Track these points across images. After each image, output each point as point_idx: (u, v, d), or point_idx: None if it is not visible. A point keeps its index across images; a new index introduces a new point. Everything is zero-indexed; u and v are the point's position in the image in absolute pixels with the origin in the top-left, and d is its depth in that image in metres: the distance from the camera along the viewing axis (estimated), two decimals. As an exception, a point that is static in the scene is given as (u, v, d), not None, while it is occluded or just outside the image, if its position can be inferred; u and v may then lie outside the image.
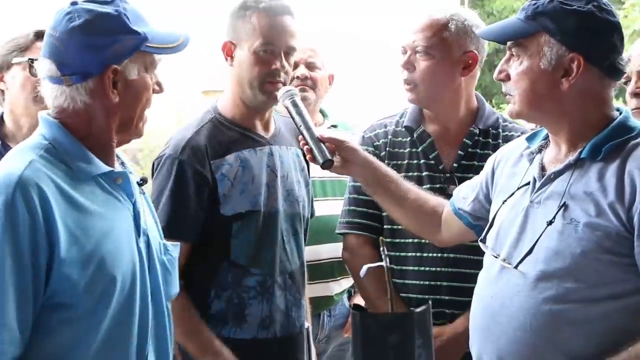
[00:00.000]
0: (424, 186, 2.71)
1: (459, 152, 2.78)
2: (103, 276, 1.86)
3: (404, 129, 2.87)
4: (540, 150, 2.22)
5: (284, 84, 2.64)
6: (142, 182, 2.09)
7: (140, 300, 1.96)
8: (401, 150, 2.86)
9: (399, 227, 2.73)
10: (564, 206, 2.00)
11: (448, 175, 2.78)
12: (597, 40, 2.04)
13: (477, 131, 2.82)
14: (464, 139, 2.80)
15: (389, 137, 2.87)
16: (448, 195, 2.61)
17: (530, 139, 2.26)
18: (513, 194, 2.17)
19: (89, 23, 1.90)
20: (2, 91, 2.89)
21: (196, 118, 2.72)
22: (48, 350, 1.83)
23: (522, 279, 2.04)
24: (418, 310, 1.71)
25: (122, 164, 2.10)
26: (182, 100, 8.04)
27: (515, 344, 2.03)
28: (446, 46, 2.68)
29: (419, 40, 2.70)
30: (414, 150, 2.84)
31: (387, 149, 2.86)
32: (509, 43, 2.09)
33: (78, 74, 1.92)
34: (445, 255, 2.68)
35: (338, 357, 3.58)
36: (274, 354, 2.69)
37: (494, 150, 2.63)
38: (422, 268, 2.71)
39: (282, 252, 2.75)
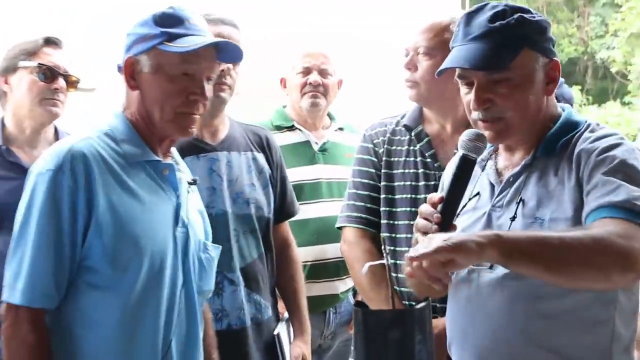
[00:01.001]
0: (420, 183, 2.77)
1: (455, 151, 2.62)
2: (131, 251, 1.97)
3: (403, 128, 2.92)
4: (490, 155, 2.22)
5: (230, 87, 2.77)
6: (193, 181, 2.19)
7: (170, 287, 2.05)
8: (399, 148, 2.91)
9: (396, 222, 2.77)
10: (522, 201, 2.02)
11: (443, 172, 2.69)
12: (554, 42, 2.10)
13: None
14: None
15: (388, 135, 2.92)
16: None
17: None
18: (465, 205, 2.15)
19: (131, 26, 2.09)
20: (6, 94, 2.95)
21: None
22: (75, 311, 1.97)
23: (494, 278, 2.04)
24: (418, 306, 1.74)
25: (176, 162, 2.20)
26: None
27: (493, 343, 2.03)
28: (447, 47, 2.59)
29: (420, 41, 2.77)
30: (411, 148, 2.88)
31: (385, 146, 2.91)
32: (485, 71, 2.02)
33: (119, 65, 2.10)
34: None
35: (343, 352, 3.64)
36: (225, 344, 2.65)
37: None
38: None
39: (232, 250, 2.80)
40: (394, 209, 2.86)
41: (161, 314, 2.05)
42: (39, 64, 2.88)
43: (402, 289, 2.72)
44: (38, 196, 1.93)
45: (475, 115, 2.05)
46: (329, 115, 3.81)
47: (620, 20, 16.78)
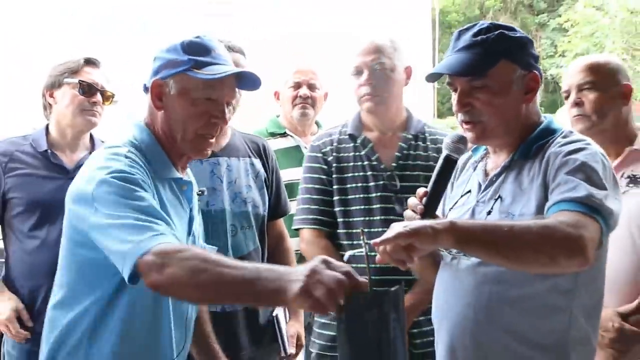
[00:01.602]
0: (370, 183, 2.89)
1: (397, 153, 2.94)
2: None
3: (347, 137, 3.00)
4: (482, 158, 2.26)
5: (234, 107, 2.65)
6: (201, 193, 2.28)
7: None
8: (346, 155, 2.98)
9: (352, 219, 2.88)
10: (499, 198, 2.05)
11: (389, 173, 2.94)
12: (536, 57, 2.14)
13: (410, 136, 2.99)
14: (399, 143, 2.96)
15: (335, 144, 2.99)
16: (391, 190, 2.82)
17: (475, 150, 2.29)
18: (457, 201, 2.21)
19: (159, 51, 2.11)
20: (50, 105, 3.18)
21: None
22: (118, 306, 2.02)
23: (469, 264, 2.08)
24: (393, 289, 1.67)
25: (188, 175, 2.24)
26: None
27: (463, 320, 2.07)
28: (393, 63, 2.90)
29: (375, 60, 2.91)
30: (357, 154, 2.96)
31: (334, 154, 2.98)
32: (467, 78, 2.07)
33: (146, 85, 2.12)
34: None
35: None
36: (218, 325, 2.64)
37: (425, 151, 2.89)
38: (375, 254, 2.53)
39: (231, 242, 2.87)
40: (349, 208, 2.94)
41: (171, 310, 2.12)
42: (80, 80, 3.08)
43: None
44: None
45: (459, 117, 2.09)
46: (316, 123, 4.01)
47: (567, 42, 17.94)
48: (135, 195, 1.85)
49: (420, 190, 2.01)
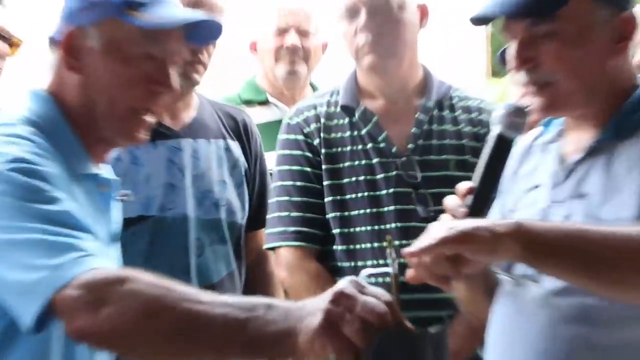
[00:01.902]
0: (377, 176, 2.61)
1: (413, 130, 2.66)
2: None
3: (339, 110, 2.71)
4: (557, 137, 2.11)
5: (204, 65, 2.60)
6: (125, 197, 2.03)
7: None
8: (340, 135, 2.70)
9: (353, 229, 2.62)
10: (583, 196, 1.92)
11: (404, 159, 2.62)
12: None
13: (431, 104, 2.70)
14: (417, 115, 2.68)
15: (322, 120, 2.71)
16: (409, 184, 2.56)
17: (546, 125, 2.14)
18: (521, 200, 2.07)
19: None
20: None
21: None
22: None
23: (539, 294, 1.94)
24: (433, 330, 1.65)
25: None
26: None
27: None
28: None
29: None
30: (356, 133, 2.68)
31: (322, 135, 2.69)
32: (527, 21, 1.94)
33: (51, 38, 1.92)
34: (405, 243, 2.43)
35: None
36: None
37: (454, 124, 2.67)
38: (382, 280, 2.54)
39: (195, 264, 2.63)
40: (348, 213, 2.66)
41: None
42: None
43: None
44: None
45: (520, 78, 1.99)
46: (311, 85, 3.57)
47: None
48: (44, 196, 1.67)
49: (463, 186, 1.85)
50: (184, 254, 2.58)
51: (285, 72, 3.42)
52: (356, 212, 2.64)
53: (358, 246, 2.61)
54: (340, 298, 1.36)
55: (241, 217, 2.74)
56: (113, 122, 1.89)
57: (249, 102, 3.43)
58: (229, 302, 1.46)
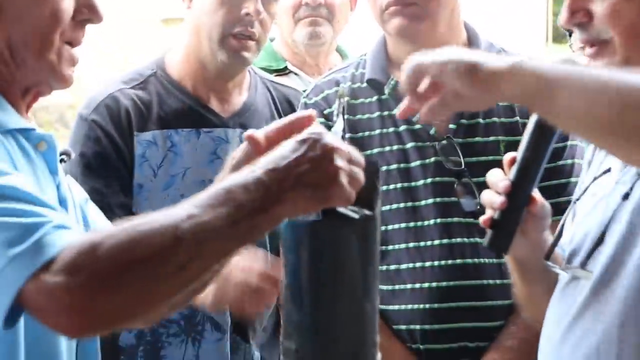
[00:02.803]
0: (412, 164, 2.45)
1: None
2: None
3: (366, 85, 2.52)
4: None
5: (257, 40, 2.45)
6: (65, 156, 1.86)
7: None
8: (367, 117, 2.53)
9: (386, 227, 2.49)
10: None
11: (444, 142, 2.43)
12: None
13: None
14: None
15: (345, 98, 2.54)
16: (451, 173, 2.41)
17: None
18: (588, 187, 1.97)
19: None
20: None
21: (131, 71, 2.56)
22: None
23: (602, 289, 1.84)
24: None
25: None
26: (133, 34, 7.32)
27: None
28: None
29: None
30: (386, 113, 2.49)
31: (345, 116, 2.50)
32: None
33: None
34: (450, 263, 2.41)
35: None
36: None
37: (505, 100, 2.43)
38: (419, 285, 2.45)
39: None
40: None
41: None
42: None
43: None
44: None
45: (574, 35, 2.10)
46: (338, 51, 3.40)
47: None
48: None
49: (509, 155, 1.84)
50: None
51: (307, 35, 3.22)
52: (388, 207, 2.46)
53: (391, 247, 2.44)
54: (308, 140, 1.42)
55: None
56: (42, 63, 1.74)
57: (265, 71, 3.15)
58: (200, 196, 1.46)
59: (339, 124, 1.61)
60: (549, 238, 2.08)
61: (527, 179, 1.86)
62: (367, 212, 1.54)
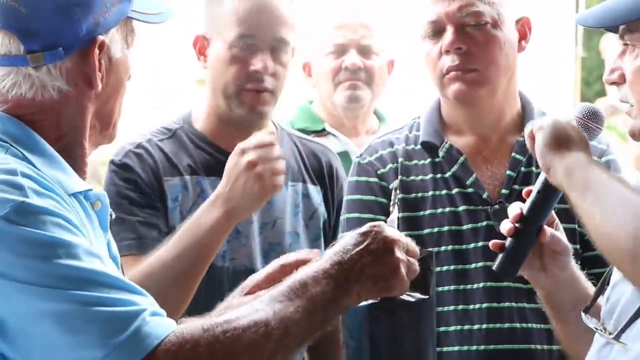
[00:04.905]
0: (464, 227, 2.45)
1: (508, 172, 2.48)
2: None
3: (420, 147, 2.53)
4: None
5: (271, 92, 2.48)
6: (110, 216, 1.87)
7: None
8: (420, 178, 2.53)
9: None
10: None
11: (497, 207, 2.41)
12: None
13: None
14: (513, 154, 2.50)
15: (400, 160, 2.54)
16: (499, 236, 2.26)
17: None
18: None
19: None
20: None
21: (160, 125, 2.63)
22: None
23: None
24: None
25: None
26: (168, 94, 7.41)
27: None
28: (496, 11, 2.52)
29: (466, 7, 2.47)
30: (439, 176, 2.50)
31: (400, 177, 2.53)
32: (621, 29, 1.88)
33: (54, 48, 1.73)
34: (498, 326, 2.39)
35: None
36: None
37: None
38: (467, 348, 2.45)
39: None
40: None
41: None
42: None
43: None
44: None
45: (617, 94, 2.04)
46: (376, 113, 3.46)
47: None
48: (66, 249, 1.53)
49: (527, 189, 1.97)
50: None
51: (346, 99, 3.28)
52: (438, 269, 2.33)
53: (439, 309, 2.37)
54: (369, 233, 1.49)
55: None
56: (113, 131, 1.83)
57: (303, 132, 3.22)
58: (274, 293, 1.52)
59: (395, 214, 1.70)
60: (580, 276, 2.13)
61: (537, 211, 1.88)
62: (422, 296, 1.59)
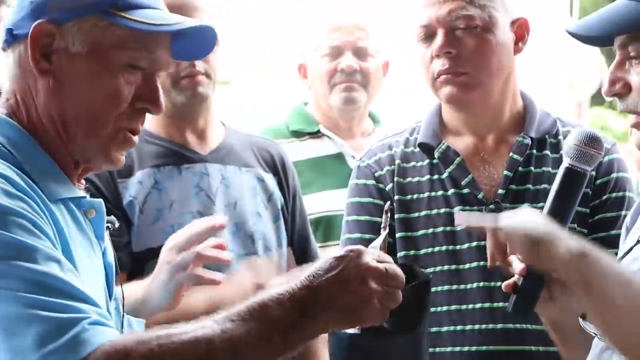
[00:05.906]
0: (458, 227, 2.45)
1: (505, 172, 2.47)
2: None
3: (417, 149, 2.55)
4: None
5: (205, 74, 2.52)
6: (110, 224, 1.87)
7: None
8: (416, 180, 2.55)
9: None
10: None
11: (492, 207, 2.44)
12: None
13: (528, 141, 2.50)
14: (511, 154, 2.49)
15: (397, 162, 2.56)
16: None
17: None
18: (625, 254, 1.96)
19: None
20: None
21: None
22: None
23: None
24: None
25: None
26: None
27: None
28: (489, 14, 2.51)
29: (456, 10, 2.48)
30: (436, 177, 2.52)
31: (396, 179, 2.54)
32: (620, 39, 1.86)
33: (9, 32, 1.74)
34: (492, 327, 2.39)
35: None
36: None
37: (556, 167, 2.41)
38: (459, 349, 2.45)
39: None
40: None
41: None
42: None
43: None
44: None
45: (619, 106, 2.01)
46: (371, 116, 3.43)
47: None
48: (28, 249, 1.52)
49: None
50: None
51: (342, 100, 3.26)
52: (432, 269, 2.46)
53: (433, 309, 2.40)
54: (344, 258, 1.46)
55: (278, 256, 2.72)
56: (92, 142, 1.74)
57: (298, 133, 3.30)
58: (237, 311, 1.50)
59: (380, 238, 1.67)
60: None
61: None
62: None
